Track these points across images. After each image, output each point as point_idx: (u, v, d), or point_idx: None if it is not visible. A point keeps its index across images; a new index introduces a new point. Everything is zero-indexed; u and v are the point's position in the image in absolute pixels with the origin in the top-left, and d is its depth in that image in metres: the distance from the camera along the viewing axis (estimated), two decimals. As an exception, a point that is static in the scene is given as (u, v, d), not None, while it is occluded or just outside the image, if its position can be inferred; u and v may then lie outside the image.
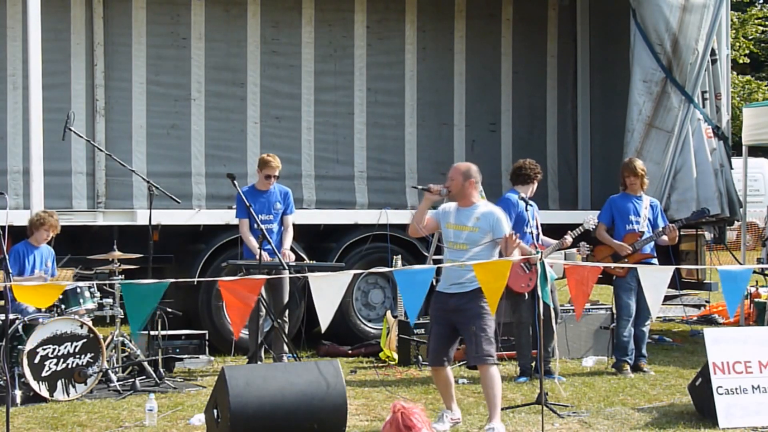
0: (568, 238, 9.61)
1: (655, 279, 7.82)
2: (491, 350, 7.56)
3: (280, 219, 10.04)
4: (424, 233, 8.07)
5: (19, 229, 9.59)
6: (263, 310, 9.67)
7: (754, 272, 11.92)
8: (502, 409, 8.11)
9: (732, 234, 15.35)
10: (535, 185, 9.84)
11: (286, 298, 9.84)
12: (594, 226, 9.86)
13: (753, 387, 7.79)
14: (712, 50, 12.01)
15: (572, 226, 9.87)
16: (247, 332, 10.14)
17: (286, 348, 9.73)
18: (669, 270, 7.83)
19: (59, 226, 9.42)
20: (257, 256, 9.52)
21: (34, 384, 8.54)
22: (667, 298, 12.84)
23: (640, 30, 11.85)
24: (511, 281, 9.54)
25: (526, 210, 9.33)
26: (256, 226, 9.51)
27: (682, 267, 12.16)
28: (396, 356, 10.45)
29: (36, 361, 8.57)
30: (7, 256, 8.39)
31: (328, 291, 6.95)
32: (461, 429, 7.70)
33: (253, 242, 9.77)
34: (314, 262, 10.34)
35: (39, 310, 8.85)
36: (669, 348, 11.72)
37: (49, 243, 9.46)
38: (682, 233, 12.07)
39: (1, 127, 11.28)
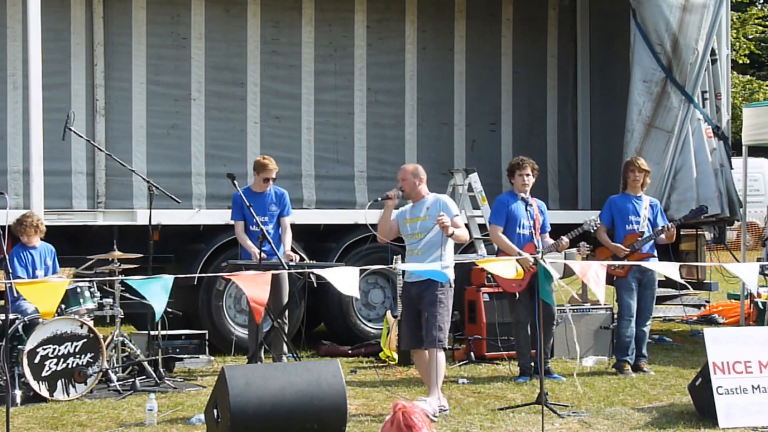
0: (565, 239, 9.60)
1: (665, 268, 8.03)
2: (440, 336, 8.13)
3: (277, 221, 10.00)
4: (393, 237, 8.53)
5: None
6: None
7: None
8: (501, 409, 8.24)
9: (732, 234, 15.35)
10: (529, 174, 9.70)
11: (286, 299, 9.83)
12: (595, 227, 9.85)
13: (753, 387, 7.78)
14: (712, 50, 12.01)
15: (572, 226, 9.88)
16: (247, 332, 10.13)
17: (285, 348, 9.73)
18: (675, 265, 7.90)
19: (29, 228, 9.22)
20: (255, 257, 9.51)
21: (34, 384, 8.54)
22: (667, 298, 12.86)
23: (640, 30, 11.85)
24: (502, 282, 9.60)
25: (526, 210, 9.34)
26: (256, 227, 9.51)
27: (684, 264, 12.15)
28: (396, 356, 10.45)
29: (36, 361, 8.57)
30: (7, 256, 8.39)
31: (340, 277, 7.10)
32: (461, 429, 7.70)
33: (248, 243, 9.76)
34: (314, 261, 10.33)
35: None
36: (669, 348, 11.72)
37: (53, 244, 9.45)
38: (682, 233, 12.09)
39: (1, 127, 11.28)
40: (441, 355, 8.17)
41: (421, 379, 9.63)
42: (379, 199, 8.43)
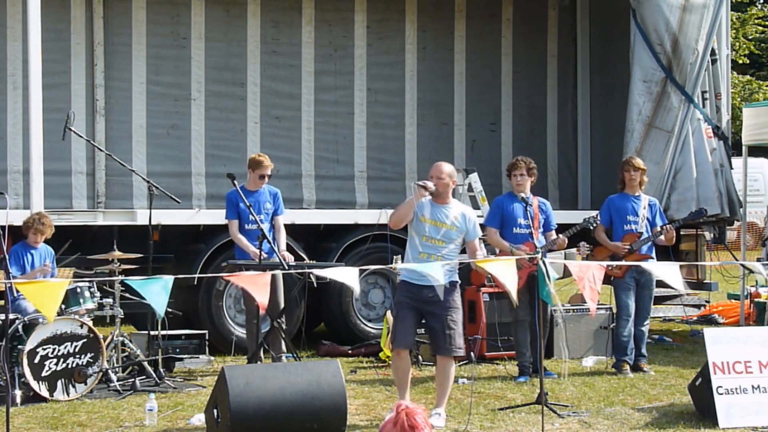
0: (562, 237, 9.61)
1: (665, 271, 7.97)
2: (461, 342, 7.89)
3: (271, 220, 10.00)
4: (401, 226, 8.17)
5: (19, 229, 9.59)
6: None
7: (753, 272, 11.91)
8: (501, 409, 8.25)
9: (732, 234, 15.35)
10: (523, 174, 9.71)
11: (282, 297, 9.81)
12: (594, 224, 9.86)
13: (753, 387, 7.78)
14: (712, 50, 12.01)
15: (572, 227, 9.88)
16: (246, 332, 10.13)
17: (285, 348, 9.72)
18: (675, 265, 7.90)
19: (47, 229, 9.28)
20: (252, 256, 9.50)
21: (34, 384, 8.54)
22: (666, 298, 12.87)
23: (640, 30, 11.85)
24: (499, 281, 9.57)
25: (526, 209, 9.33)
26: (254, 225, 9.50)
27: (684, 264, 12.15)
28: (396, 356, 10.44)
29: (36, 361, 8.57)
30: (7, 256, 8.39)
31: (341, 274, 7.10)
32: (461, 429, 7.70)
33: (244, 242, 9.75)
34: (314, 261, 10.33)
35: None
36: (669, 348, 11.72)
37: (49, 244, 9.45)
38: (682, 233, 12.08)
39: (1, 127, 11.29)
40: (453, 363, 8.01)
41: (421, 378, 9.63)
42: (419, 183, 7.89)
